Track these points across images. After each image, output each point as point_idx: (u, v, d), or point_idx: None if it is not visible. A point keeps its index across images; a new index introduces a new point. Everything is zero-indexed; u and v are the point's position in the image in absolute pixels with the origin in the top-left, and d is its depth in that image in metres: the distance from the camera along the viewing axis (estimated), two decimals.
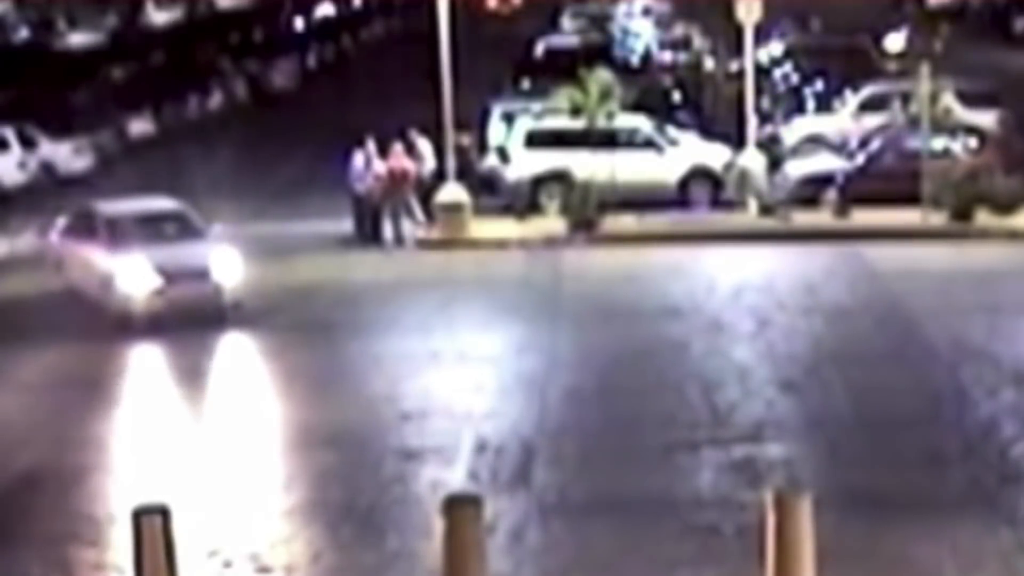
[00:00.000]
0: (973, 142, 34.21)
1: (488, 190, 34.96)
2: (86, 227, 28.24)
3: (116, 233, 27.33)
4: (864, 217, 31.90)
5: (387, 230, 32.21)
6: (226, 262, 26.49)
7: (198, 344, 24.97)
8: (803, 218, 32.39)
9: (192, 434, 20.72)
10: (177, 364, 24.28)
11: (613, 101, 34.20)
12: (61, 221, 29.68)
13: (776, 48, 53.78)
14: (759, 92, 37.74)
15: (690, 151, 35.05)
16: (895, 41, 41.92)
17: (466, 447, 19.35)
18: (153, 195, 29.82)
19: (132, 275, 26.12)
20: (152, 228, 27.54)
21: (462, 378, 22.57)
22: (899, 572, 15.21)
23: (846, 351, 23.36)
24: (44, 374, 23.87)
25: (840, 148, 36.38)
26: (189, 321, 25.56)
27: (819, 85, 43.64)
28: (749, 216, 32.98)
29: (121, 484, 18.60)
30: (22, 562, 16.20)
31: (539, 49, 55.46)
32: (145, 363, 24.59)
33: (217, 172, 43.59)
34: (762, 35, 42.85)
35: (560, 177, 33.57)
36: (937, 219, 31.61)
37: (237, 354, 25.15)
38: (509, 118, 37.28)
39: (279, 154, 45.12)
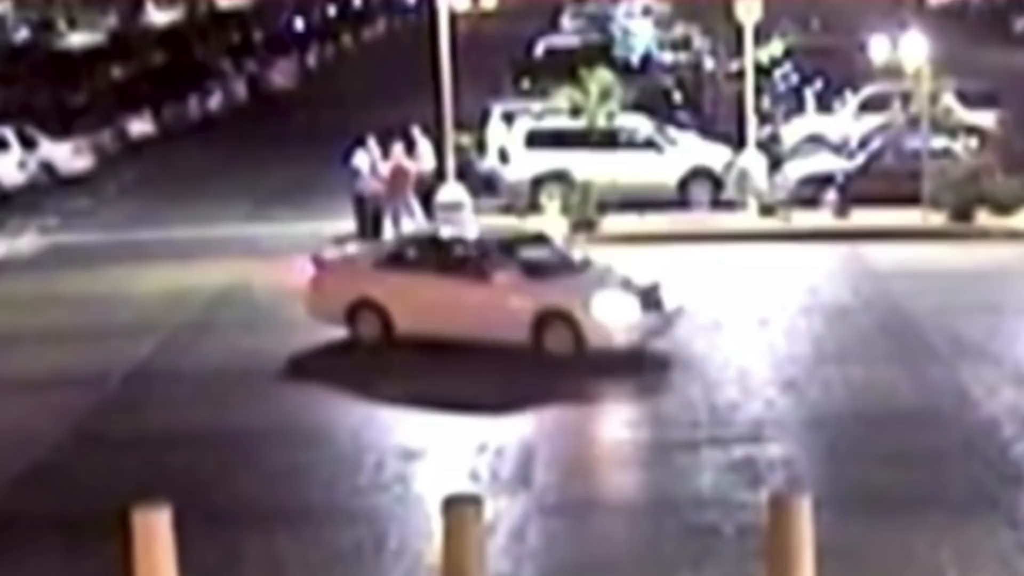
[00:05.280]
0: (973, 142, 34.22)
1: (488, 190, 34.98)
2: (451, 259, 23.61)
3: (522, 264, 23.26)
4: (864, 217, 31.89)
5: (388, 230, 32.21)
6: (670, 288, 23.30)
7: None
8: (803, 218, 32.38)
9: None
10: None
11: (613, 101, 34.25)
12: (360, 253, 25.81)
13: (776, 48, 53.81)
14: (759, 92, 37.75)
15: (690, 151, 35.04)
16: (881, 44, 41.88)
17: (466, 447, 19.35)
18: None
19: (611, 309, 22.25)
20: (550, 257, 23.91)
21: (462, 377, 22.56)
22: (899, 572, 15.21)
23: (846, 351, 23.35)
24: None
25: (840, 148, 36.40)
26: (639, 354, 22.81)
27: (819, 85, 43.68)
28: (749, 216, 32.97)
29: None
30: None
31: (539, 49, 55.51)
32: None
33: (217, 172, 43.68)
34: (762, 35, 42.88)
35: (560, 177, 33.56)
36: (937, 219, 31.61)
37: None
38: (509, 118, 37.29)
39: (279, 154, 45.15)
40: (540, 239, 24.75)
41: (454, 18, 34.20)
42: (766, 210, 32.78)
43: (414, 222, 32.45)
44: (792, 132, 39.68)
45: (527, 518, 16.84)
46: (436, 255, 23.79)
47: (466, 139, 36.03)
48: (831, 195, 32.97)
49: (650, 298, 22.59)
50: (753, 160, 34.07)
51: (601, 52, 50.67)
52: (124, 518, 12.48)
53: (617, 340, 22.25)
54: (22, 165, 40.91)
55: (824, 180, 33.63)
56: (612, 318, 22.16)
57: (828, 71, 44.57)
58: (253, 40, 75.61)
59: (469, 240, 24.01)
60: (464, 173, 33.90)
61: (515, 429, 20.01)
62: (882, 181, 32.69)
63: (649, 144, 34.81)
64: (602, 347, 22.25)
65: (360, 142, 33.18)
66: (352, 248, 25.68)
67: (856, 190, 32.75)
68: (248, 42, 74.42)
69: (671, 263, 29.50)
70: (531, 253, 23.79)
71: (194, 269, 30.61)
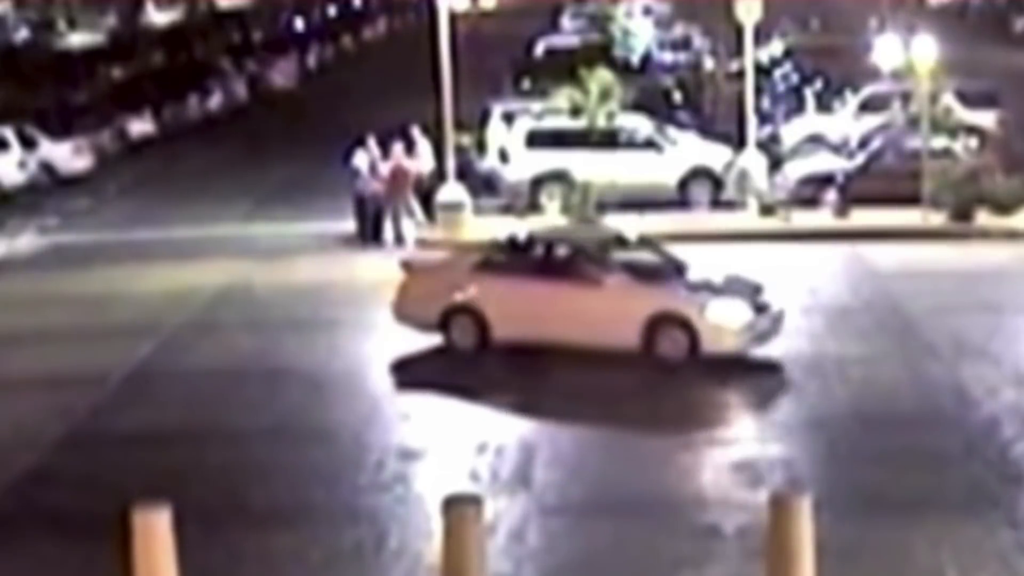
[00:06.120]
0: (973, 142, 34.22)
1: (488, 190, 34.98)
2: (554, 263, 23.14)
3: (627, 267, 22.78)
4: (864, 217, 31.89)
5: (387, 230, 32.23)
6: (770, 287, 23.09)
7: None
8: (803, 218, 32.39)
9: None
10: None
11: (613, 101, 34.27)
12: (453, 256, 24.80)
13: (776, 48, 53.84)
14: (759, 92, 37.74)
15: (690, 151, 35.05)
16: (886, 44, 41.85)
17: (466, 447, 19.35)
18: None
19: (726, 313, 21.89)
20: (650, 259, 23.42)
21: (462, 376, 22.57)
22: (898, 572, 15.21)
23: (846, 351, 23.33)
24: None
25: (840, 148, 36.41)
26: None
27: (819, 85, 43.69)
28: (749, 216, 32.97)
29: None
30: None
31: (539, 49, 55.53)
32: None
33: (217, 172, 43.69)
34: (762, 35, 42.90)
35: (560, 177, 33.57)
36: (937, 219, 31.62)
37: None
38: (509, 118, 37.30)
39: (279, 154, 45.15)
40: (640, 242, 24.10)
41: (454, 18, 34.19)
42: (766, 210, 32.78)
43: (414, 222, 32.47)
44: (792, 132, 39.68)
45: (527, 518, 16.84)
46: (537, 259, 23.33)
47: (466, 139, 36.04)
48: (831, 195, 32.96)
49: (757, 301, 22.42)
50: (753, 160, 34.07)
51: (601, 52, 50.66)
52: (124, 518, 12.49)
53: (731, 344, 21.90)
54: (22, 165, 40.92)
55: (824, 180, 33.63)
56: (727, 322, 21.81)
57: (835, 71, 44.54)
58: (253, 40, 75.64)
59: (570, 243, 23.53)
60: (464, 173, 33.89)
61: (515, 429, 20.02)
62: (882, 181, 32.69)
63: (649, 144, 34.82)
64: (715, 352, 21.90)
65: (360, 142, 33.18)
66: (443, 252, 24.93)
67: (856, 190, 32.75)
68: (248, 42, 74.46)
69: None
70: (628, 256, 23.32)
71: (194, 269, 30.62)
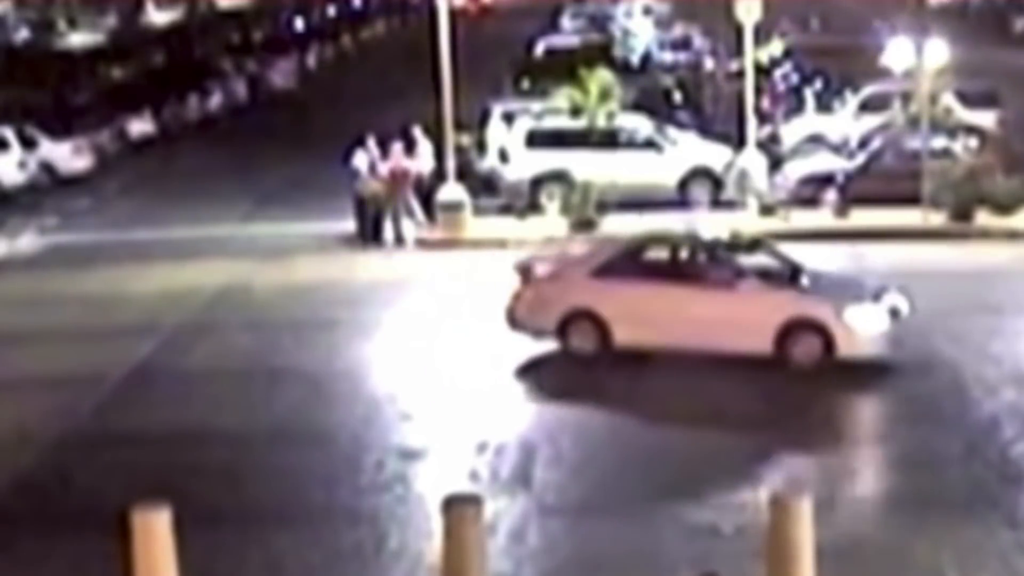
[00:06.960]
0: (973, 142, 34.21)
1: (488, 190, 34.97)
2: (681, 267, 22.72)
3: (759, 271, 22.51)
4: (864, 217, 31.89)
5: (387, 230, 32.22)
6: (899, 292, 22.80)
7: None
8: (803, 218, 32.38)
9: None
10: None
11: (613, 101, 34.28)
12: (571, 260, 23.93)
13: (776, 48, 53.81)
14: (759, 92, 37.73)
15: (690, 151, 35.04)
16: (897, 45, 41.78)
17: (466, 447, 19.35)
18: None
19: (863, 317, 21.66)
20: (773, 262, 23.05)
21: (463, 377, 22.57)
22: (899, 572, 15.21)
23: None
24: None
25: (840, 148, 36.39)
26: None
27: (819, 85, 43.66)
28: (749, 216, 32.95)
29: None
30: None
31: (539, 49, 55.53)
32: None
33: (217, 172, 43.68)
34: (762, 35, 42.85)
35: (560, 177, 33.57)
36: (937, 219, 31.61)
37: None
38: (509, 118, 37.28)
39: (279, 154, 45.13)
40: (757, 244, 23.74)
41: (454, 18, 34.15)
42: (766, 210, 32.77)
43: (414, 222, 32.47)
44: (792, 132, 39.66)
45: (527, 518, 16.85)
46: (661, 263, 22.92)
47: (466, 139, 36.03)
48: (831, 195, 32.96)
49: (889, 304, 22.11)
50: (753, 160, 34.06)
51: (601, 52, 50.61)
52: (124, 518, 12.49)
53: (868, 349, 21.69)
54: (22, 165, 40.88)
55: (824, 180, 33.60)
56: (864, 327, 21.58)
57: (836, 71, 44.44)
58: (253, 40, 75.61)
59: (695, 246, 23.00)
60: (464, 173, 33.89)
61: (515, 429, 20.02)
62: (882, 181, 32.67)
63: (649, 144, 34.82)
64: (851, 356, 21.61)
65: (360, 142, 33.17)
66: (560, 256, 24.41)
67: (856, 190, 32.73)
68: (248, 42, 74.41)
69: None
70: (751, 259, 22.97)
71: (194, 269, 30.61)
